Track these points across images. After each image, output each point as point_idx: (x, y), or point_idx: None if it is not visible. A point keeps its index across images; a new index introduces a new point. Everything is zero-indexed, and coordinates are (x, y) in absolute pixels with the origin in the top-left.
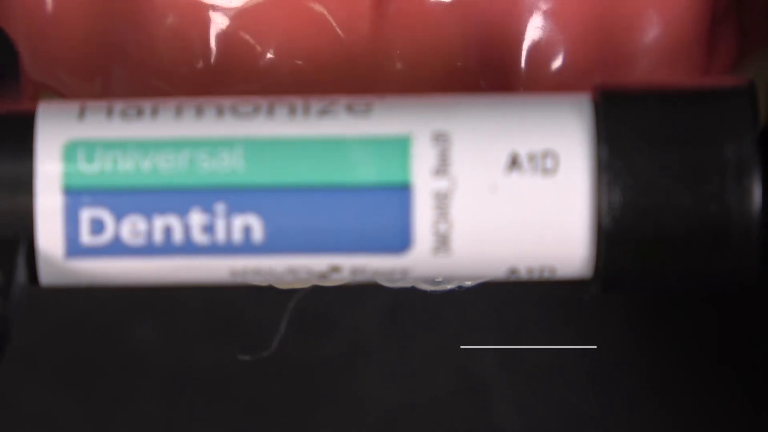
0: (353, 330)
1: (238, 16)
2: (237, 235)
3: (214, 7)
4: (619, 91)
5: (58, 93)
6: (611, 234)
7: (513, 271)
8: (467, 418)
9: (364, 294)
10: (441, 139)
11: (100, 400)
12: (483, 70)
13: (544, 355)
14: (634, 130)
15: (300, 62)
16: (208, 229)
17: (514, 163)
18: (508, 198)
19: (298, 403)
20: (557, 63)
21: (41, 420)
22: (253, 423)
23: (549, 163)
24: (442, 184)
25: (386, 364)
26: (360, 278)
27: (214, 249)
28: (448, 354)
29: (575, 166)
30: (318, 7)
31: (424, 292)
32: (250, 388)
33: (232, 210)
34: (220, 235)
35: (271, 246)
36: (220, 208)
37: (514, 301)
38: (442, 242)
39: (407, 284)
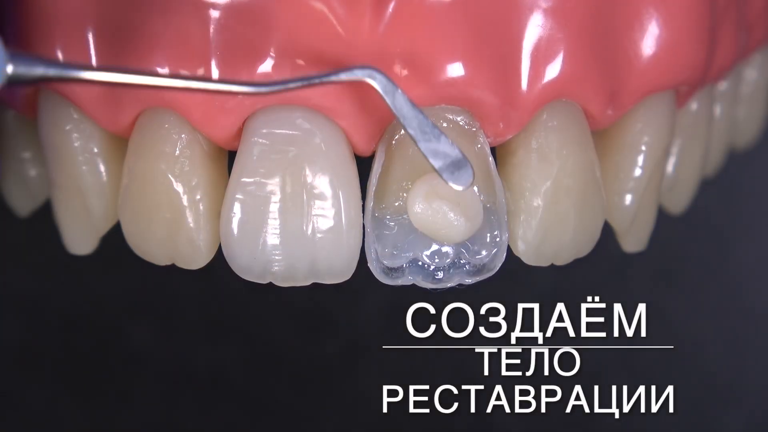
0: (353, 330)
1: (238, 15)
2: None
3: (215, 6)
4: None
5: (59, 92)
6: None
7: None
8: (467, 418)
9: (364, 294)
10: None
11: (100, 400)
12: (483, 70)
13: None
14: None
15: (300, 61)
16: None
17: None
18: None
19: (298, 402)
20: (557, 62)
21: (41, 420)
22: (253, 422)
23: None
24: None
25: (386, 364)
26: None
27: None
28: (447, 354)
29: None
30: (319, 6)
31: (425, 291)
32: (250, 387)
33: None
34: None
35: None
36: None
37: (513, 300)
38: None
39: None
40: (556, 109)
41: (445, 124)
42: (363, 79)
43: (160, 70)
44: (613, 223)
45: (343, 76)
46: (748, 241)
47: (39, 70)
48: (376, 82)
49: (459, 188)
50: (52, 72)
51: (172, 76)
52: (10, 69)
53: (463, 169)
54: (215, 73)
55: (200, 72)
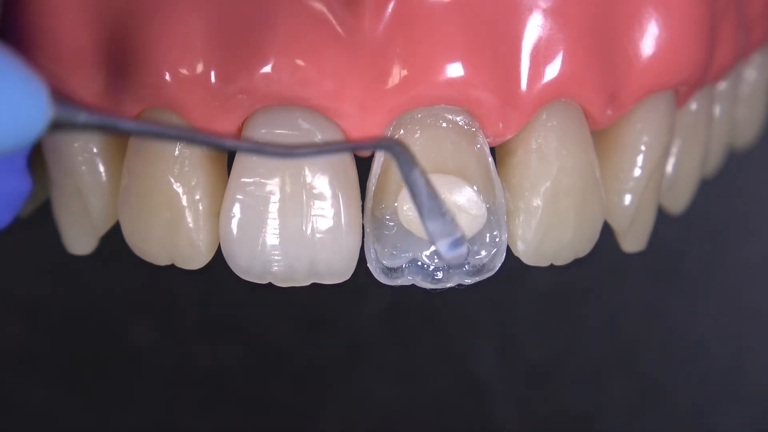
0: (353, 330)
1: (238, 15)
2: None
3: (215, 6)
4: None
5: (60, 92)
6: None
7: None
8: (467, 418)
9: (364, 294)
10: None
11: (100, 399)
12: (482, 70)
13: (543, 355)
14: None
15: (300, 61)
16: None
17: None
18: None
19: (298, 402)
20: (556, 62)
21: (41, 419)
22: (253, 422)
23: None
24: None
25: (386, 364)
26: None
27: None
28: (448, 354)
29: None
30: (318, 6)
31: (424, 291)
32: (250, 387)
33: None
34: None
35: None
36: None
37: (513, 301)
38: None
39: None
40: (555, 109)
41: (444, 125)
42: (387, 151)
43: (166, 78)
44: (613, 223)
45: (369, 145)
46: (748, 241)
47: (82, 118)
48: (397, 156)
49: (452, 265)
50: (94, 120)
51: (215, 134)
52: (52, 115)
53: (460, 248)
54: (215, 73)
55: (199, 71)
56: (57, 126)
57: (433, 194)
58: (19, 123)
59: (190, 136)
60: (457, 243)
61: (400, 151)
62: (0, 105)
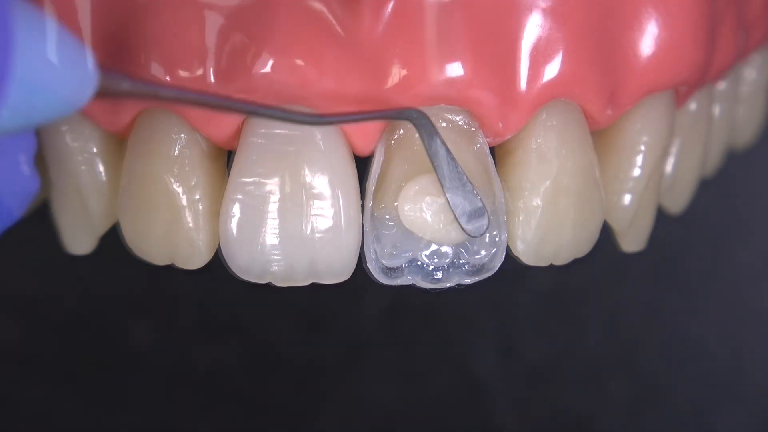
0: (353, 330)
1: (237, 15)
2: None
3: (214, 6)
4: None
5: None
6: None
7: None
8: (467, 418)
9: (364, 294)
10: None
11: (100, 399)
12: (481, 70)
13: (543, 355)
14: None
15: (299, 61)
16: None
17: None
18: None
19: (298, 402)
20: (556, 62)
21: (41, 419)
22: (252, 422)
23: None
24: None
25: (386, 364)
26: None
27: None
28: (448, 354)
29: None
30: (317, 6)
31: (424, 291)
32: (250, 387)
33: None
34: None
35: None
36: None
37: (513, 301)
38: None
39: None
40: (555, 109)
41: (444, 124)
42: (410, 121)
43: (166, 79)
44: (613, 223)
45: (393, 115)
46: (748, 241)
47: (125, 86)
48: (419, 124)
49: (473, 236)
50: (137, 88)
51: (250, 102)
52: (99, 83)
53: (481, 218)
54: (213, 73)
55: (198, 72)
56: (102, 93)
57: (454, 164)
58: (69, 90)
59: (226, 104)
60: (477, 213)
61: (422, 122)
62: (53, 73)
